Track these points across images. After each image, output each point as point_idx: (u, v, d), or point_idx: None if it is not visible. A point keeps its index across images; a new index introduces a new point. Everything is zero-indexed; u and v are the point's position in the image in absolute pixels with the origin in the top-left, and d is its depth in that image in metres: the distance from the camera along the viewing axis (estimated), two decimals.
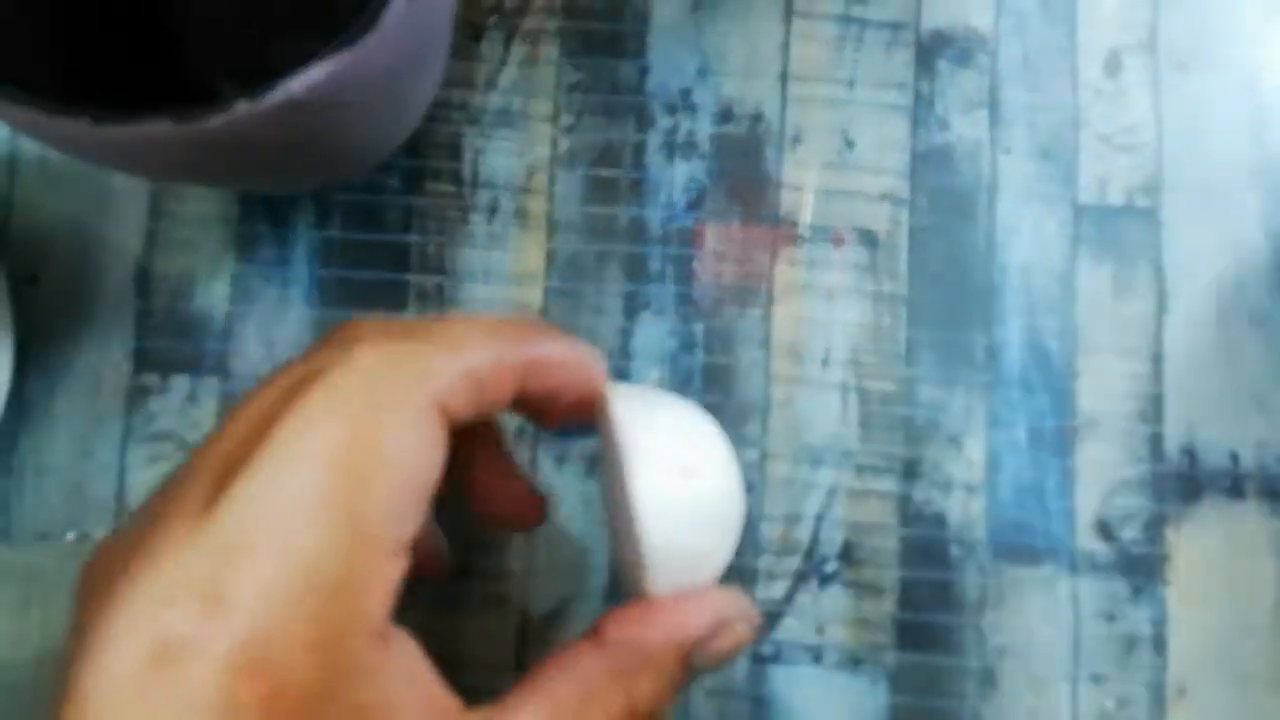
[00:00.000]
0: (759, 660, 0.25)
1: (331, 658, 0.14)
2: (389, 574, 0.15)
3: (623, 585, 0.21)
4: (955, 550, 0.25)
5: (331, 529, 0.14)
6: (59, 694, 0.14)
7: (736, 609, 0.18)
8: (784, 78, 0.27)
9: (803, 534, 0.25)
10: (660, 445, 0.18)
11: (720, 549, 0.19)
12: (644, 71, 0.27)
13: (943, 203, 0.27)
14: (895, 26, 0.27)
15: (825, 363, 0.26)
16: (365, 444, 0.15)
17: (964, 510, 0.26)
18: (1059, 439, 0.26)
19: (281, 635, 0.13)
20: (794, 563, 0.25)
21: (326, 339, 0.17)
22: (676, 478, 0.18)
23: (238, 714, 0.13)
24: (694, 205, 0.27)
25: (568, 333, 0.19)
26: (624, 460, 0.18)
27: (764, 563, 0.25)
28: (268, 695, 0.13)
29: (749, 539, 0.25)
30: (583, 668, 0.17)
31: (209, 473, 0.15)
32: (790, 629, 0.25)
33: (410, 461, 0.15)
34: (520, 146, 0.27)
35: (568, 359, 0.18)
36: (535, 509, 0.22)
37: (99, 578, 0.15)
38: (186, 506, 0.14)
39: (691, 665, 0.18)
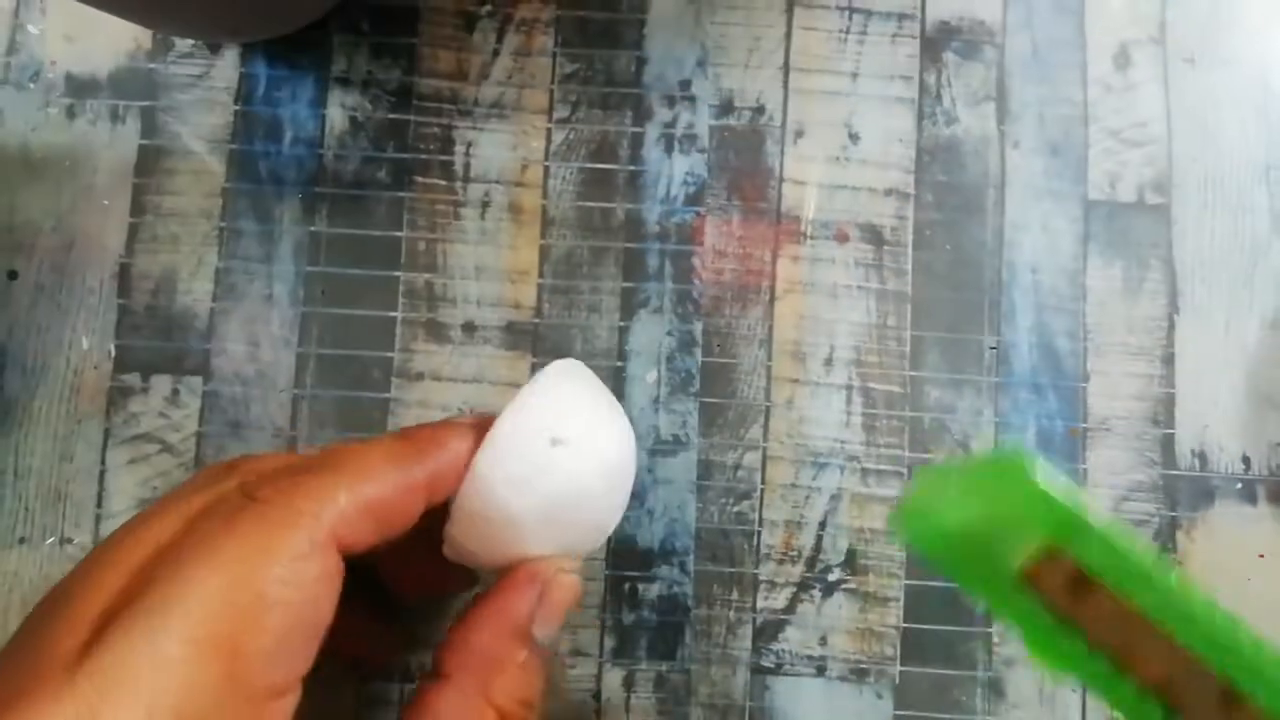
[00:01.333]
0: (760, 672, 0.24)
1: None
2: (269, 716, 0.14)
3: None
4: None
5: (204, 676, 0.14)
6: None
7: (548, 564, 0.18)
8: (786, 69, 0.27)
9: (805, 541, 0.25)
10: (533, 413, 0.18)
11: (552, 530, 0.18)
12: (642, 62, 0.26)
13: (949, 198, 0.26)
14: (900, 17, 0.27)
15: (829, 363, 0.25)
16: (248, 588, 0.14)
17: None
18: (1069, 441, 0.25)
19: None
20: (796, 571, 0.25)
21: (223, 470, 0.17)
22: (535, 439, 0.17)
23: None
24: (693, 200, 0.26)
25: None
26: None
27: (765, 570, 0.25)
28: None
29: (750, 546, 0.25)
30: (432, 709, 0.17)
31: (85, 622, 0.14)
32: (792, 639, 0.24)
33: (296, 601, 0.15)
34: (514, 139, 0.26)
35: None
36: (449, 584, 0.22)
37: None
38: (59, 657, 0.14)
39: (535, 639, 0.18)
